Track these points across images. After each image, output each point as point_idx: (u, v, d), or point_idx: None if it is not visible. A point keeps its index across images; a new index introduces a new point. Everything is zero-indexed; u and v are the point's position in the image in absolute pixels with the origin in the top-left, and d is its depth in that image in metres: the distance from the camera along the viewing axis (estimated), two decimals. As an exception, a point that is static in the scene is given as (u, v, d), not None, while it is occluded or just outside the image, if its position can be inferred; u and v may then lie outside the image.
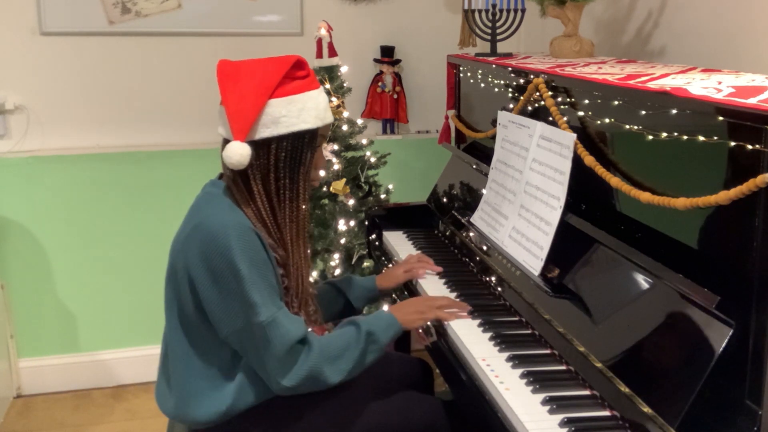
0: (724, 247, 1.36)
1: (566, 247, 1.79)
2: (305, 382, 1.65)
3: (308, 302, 1.81)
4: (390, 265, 2.38)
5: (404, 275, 2.16)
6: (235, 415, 1.70)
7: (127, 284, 3.22)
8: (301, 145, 1.70)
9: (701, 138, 1.39)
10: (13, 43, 3.07)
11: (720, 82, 1.57)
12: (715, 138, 1.35)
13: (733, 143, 1.30)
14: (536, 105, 2.08)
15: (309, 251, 1.87)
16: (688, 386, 1.26)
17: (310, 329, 1.79)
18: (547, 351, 1.71)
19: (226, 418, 1.69)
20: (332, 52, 2.81)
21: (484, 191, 2.26)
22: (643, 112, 1.57)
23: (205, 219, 1.63)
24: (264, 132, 1.65)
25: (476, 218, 2.24)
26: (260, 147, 1.66)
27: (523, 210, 1.99)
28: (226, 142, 1.70)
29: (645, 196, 1.51)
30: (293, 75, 1.69)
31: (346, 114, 2.82)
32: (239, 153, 1.62)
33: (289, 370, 1.63)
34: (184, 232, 1.68)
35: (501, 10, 2.63)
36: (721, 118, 1.33)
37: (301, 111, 1.67)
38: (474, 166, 2.46)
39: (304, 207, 1.75)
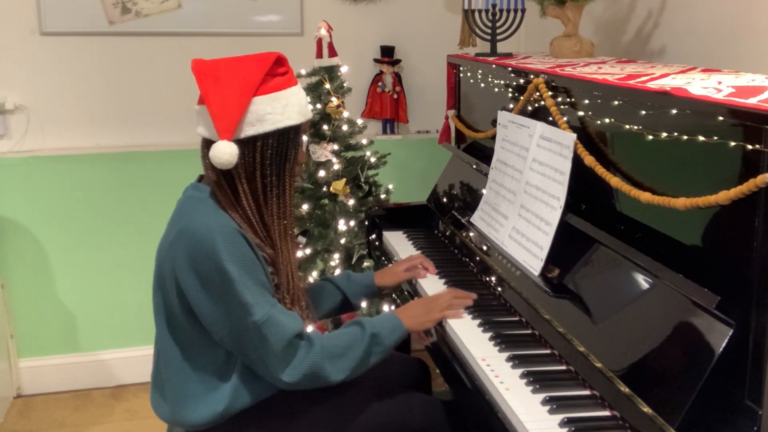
0: (724, 247, 1.36)
1: (566, 247, 1.79)
2: (306, 378, 1.64)
3: (300, 298, 1.80)
4: (394, 261, 2.38)
5: (405, 274, 2.16)
6: (232, 416, 1.70)
7: (127, 284, 3.22)
8: (286, 141, 1.69)
9: (701, 138, 1.39)
10: (13, 43, 3.07)
11: (720, 82, 1.57)
12: (715, 138, 1.35)
13: (733, 143, 1.30)
14: (536, 105, 2.08)
15: (297, 247, 1.87)
16: (688, 386, 1.26)
17: (310, 328, 1.79)
18: (547, 351, 1.71)
19: (222, 419, 1.69)
20: (332, 52, 2.80)
21: (484, 191, 2.26)
22: (643, 112, 1.57)
23: (190, 223, 1.62)
24: (249, 130, 1.65)
25: (476, 218, 2.24)
26: (245, 145, 1.65)
27: (523, 210, 1.99)
28: (207, 142, 1.68)
29: (645, 196, 1.51)
30: (274, 72, 1.69)
31: (346, 114, 2.82)
32: (228, 153, 1.61)
33: (289, 365, 1.63)
34: (168, 237, 1.67)
35: (501, 10, 2.63)
36: (721, 118, 1.33)
37: (285, 107, 1.67)
38: (474, 166, 2.46)
39: (290, 203, 1.74)
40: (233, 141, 1.63)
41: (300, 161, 1.76)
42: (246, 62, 1.69)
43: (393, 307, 2.06)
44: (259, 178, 1.68)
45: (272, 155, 1.68)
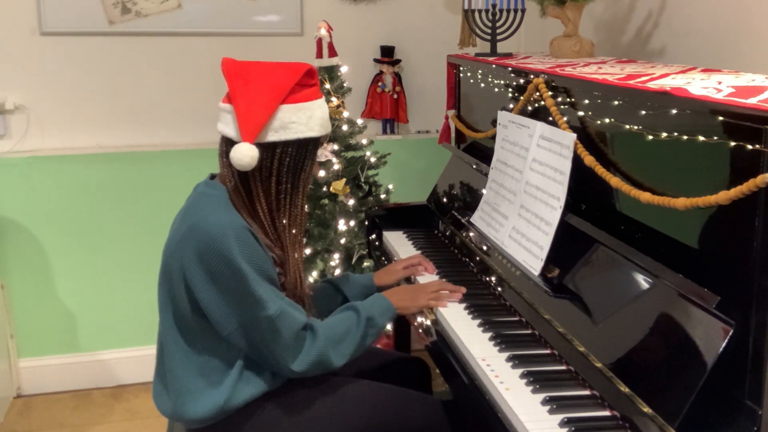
0: (724, 247, 1.36)
1: (566, 247, 1.79)
2: (313, 366, 1.69)
3: (304, 301, 1.82)
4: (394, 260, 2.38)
5: (403, 272, 2.17)
6: (233, 411, 1.70)
7: (127, 284, 3.22)
8: (305, 152, 1.72)
9: (701, 138, 1.39)
10: (13, 43, 3.07)
11: (720, 82, 1.57)
12: (715, 138, 1.35)
13: (733, 143, 1.30)
14: (536, 105, 2.08)
15: (305, 254, 1.88)
16: (688, 386, 1.26)
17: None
18: (547, 351, 1.71)
19: (223, 414, 1.70)
20: (332, 52, 2.81)
21: (484, 191, 2.26)
22: (643, 112, 1.57)
23: (201, 220, 1.63)
24: (272, 136, 1.66)
25: (476, 218, 2.24)
26: (266, 150, 1.67)
27: (523, 210, 1.99)
28: (226, 141, 1.70)
29: (645, 196, 1.51)
30: (304, 83, 1.71)
31: (346, 114, 2.82)
32: (250, 155, 1.63)
33: (298, 356, 1.67)
34: (178, 233, 1.68)
35: (501, 10, 2.63)
36: (721, 118, 1.33)
37: (309, 119, 1.69)
38: (474, 166, 2.46)
39: (301, 212, 1.76)
40: (254, 144, 1.64)
41: (314, 172, 1.78)
42: (277, 69, 1.71)
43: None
44: (274, 184, 1.70)
45: (290, 163, 1.70)
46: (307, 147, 1.71)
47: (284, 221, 1.73)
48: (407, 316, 1.99)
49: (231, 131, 1.68)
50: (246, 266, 1.59)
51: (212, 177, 1.80)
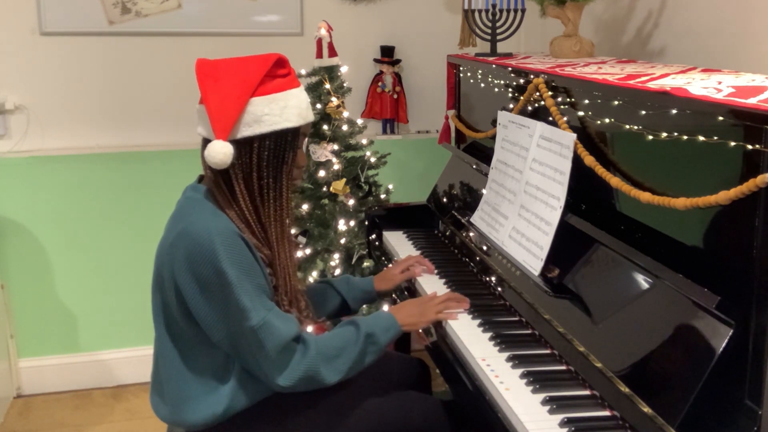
0: (724, 247, 1.36)
1: (566, 247, 1.79)
2: (302, 382, 1.65)
3: (298, 299, 1.80)
4: (390, 266, 2.38)
5: (401, 276, 2.16)
6: (232, 416, 1.69)
7: (127, 284, 3.22)
8: (284, 143, 1.69)
9: (701, 138, 1.39)
10: (13, 43, 3.07)
11: (720, 82, 1.57)
12: (715, 138, 1.35)
13: (733, 143, 1.30)
14: (536, 105, 2.08)
15: (295, 248, 1.86)
16: (688, 386, 1.26)
17: (309, 329, 1.78)
18: (547, 351, 1.71)
19: (222, 420, 1.69)
20: (332, 52, 2.80)
21: (484, 191, 2.26)
22: (643, 112, 1.57)
23: (189, 225, 1.61)
24: (246, 131, 1.64)
25: (476, 218, 2.24)
26: (242, 146, 1.65)
27: (523, 210, 1.99)
28: (206, 142, 1.68)
29: (645, 196, 1.51)
30: (275, 73, 1.68)
31: (346, 114, 2.82)
32: (222, 152, 1.60)
33: (285, 370, 1.63)
34: (168, 239, 1.66)
35: (501, 10, 2.63)
36: (721, 118, 1.33)
37: (283, 109, 1.66)
38: (474, 166, 2.46)
39: (287, 205, 1.74)
40: (230, 141, 1.62)
41: (299, 164, 1.75)
42: (247, 63, 1.68)
43: (386, 307, 2.07)
44: (255, 179, 1.68)
45: (269, 157, 1.67)
46: (285, 138, 1.68)
47: (271, 216, 1.71)
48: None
49: (206, 131, 1.67)
50: (232, 272, 1.57)
51: (200, 179, 1.78)
